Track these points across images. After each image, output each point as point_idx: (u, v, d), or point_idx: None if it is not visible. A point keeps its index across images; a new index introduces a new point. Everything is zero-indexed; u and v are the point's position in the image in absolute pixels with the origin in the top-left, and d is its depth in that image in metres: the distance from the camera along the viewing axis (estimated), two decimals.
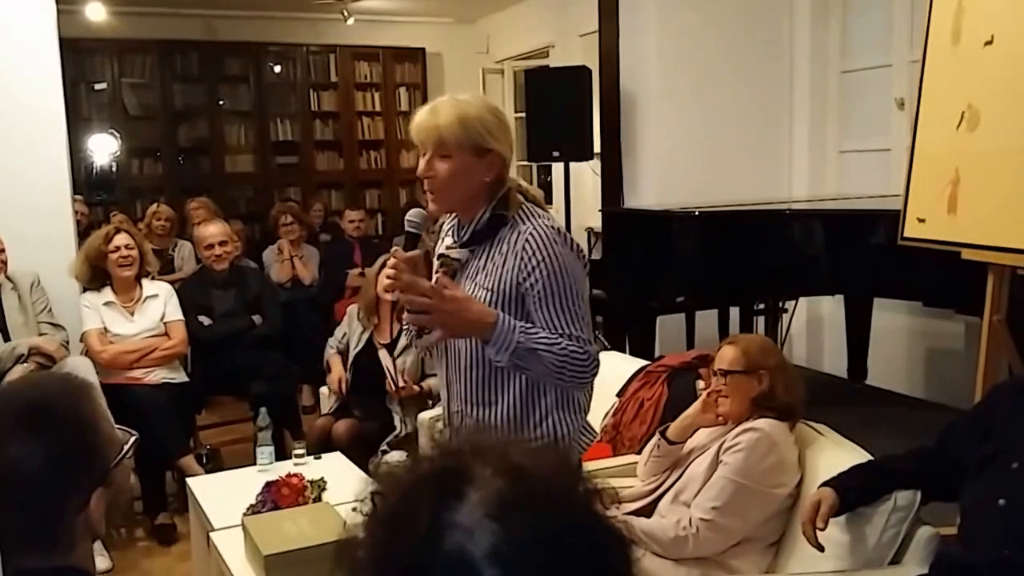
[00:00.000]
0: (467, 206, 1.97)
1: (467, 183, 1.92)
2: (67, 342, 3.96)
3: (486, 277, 1.94)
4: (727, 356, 2.50)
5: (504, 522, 0.71)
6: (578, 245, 1.96)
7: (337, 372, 4.02)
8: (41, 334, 3.87)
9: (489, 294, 1.91)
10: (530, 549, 0.71)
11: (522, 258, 1.88)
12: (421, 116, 1.92)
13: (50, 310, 4.00)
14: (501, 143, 1.92)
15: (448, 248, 2.03)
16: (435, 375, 3.76)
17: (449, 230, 2.07)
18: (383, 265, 3.98)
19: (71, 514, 1.14)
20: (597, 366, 1.91)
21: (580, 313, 1.90)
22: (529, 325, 1.86)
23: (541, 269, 1.87)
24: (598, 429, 3.29)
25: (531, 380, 1.94)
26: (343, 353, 4.07)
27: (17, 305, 3.87)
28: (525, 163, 7.29)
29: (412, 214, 1.97)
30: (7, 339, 3.79)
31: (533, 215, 1.95)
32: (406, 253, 1.91)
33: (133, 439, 1.24)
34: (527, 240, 1.89)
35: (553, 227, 1.92)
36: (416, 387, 3.84)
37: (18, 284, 3.92)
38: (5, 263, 3.87)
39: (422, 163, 1.93)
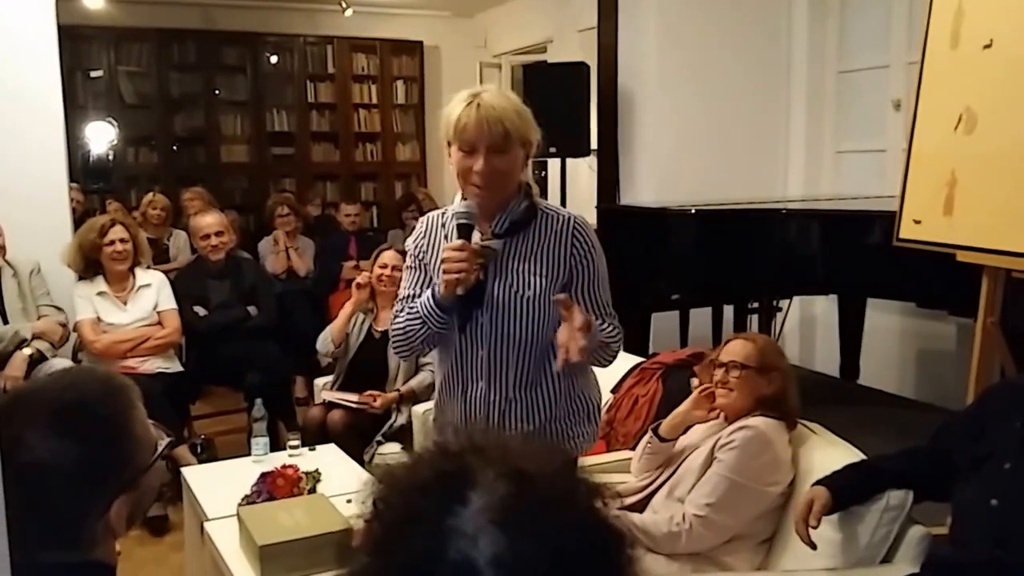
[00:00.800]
0: (506, 198, 2.02)
1: (517, 175, 2.01)
2: (66, 323, 4.00)
3: (535, 263, 2.01)
4: (742, 351, 2.50)
5: (508, 528, 0.71)
6: None
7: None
8: (41, 316, 3.93)
9: (542, 280, 2.00)
10: (534, 555, 0.71)
11: (574, 245, 2.02)
12: (474, 112, 1.90)
13: (49, 294, 4.04)
14: (537, 132, 2.01)
15: (484, 239, 2.02)
16: (421, 369, 3.81)
17: (497, 220, 2.06)
18: (378, 255, 4.01)
19: (93, 518, 1.13)
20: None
21: (610, 295, 2.10)
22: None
23: (592, 255, 2.04)
24: None
25: None
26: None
27: (16, 291, 3.91)
28: None
29: (462, 206, 1.97)
30: (5, 323, 3.82)
31: (551, 206, 2.09)
32: (472, 245, 1.95)
33: (167, 442, 1.22)
34: (577, 229, 2.04)
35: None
36: (394, 393, 3.81)
37: (18, 270, 3.95)
38: (3, 248, 3.87)
39: (479, 161, 1.92)
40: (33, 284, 3.99)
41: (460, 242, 1.94)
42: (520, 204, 2.02)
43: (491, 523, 0.71)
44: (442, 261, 1.95)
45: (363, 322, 4.00)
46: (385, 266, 3.92)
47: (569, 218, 2.06)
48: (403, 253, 3.82)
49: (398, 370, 3.88)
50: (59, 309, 4.03)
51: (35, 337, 3.81)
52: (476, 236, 2.00)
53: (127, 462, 1.15)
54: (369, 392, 3.79)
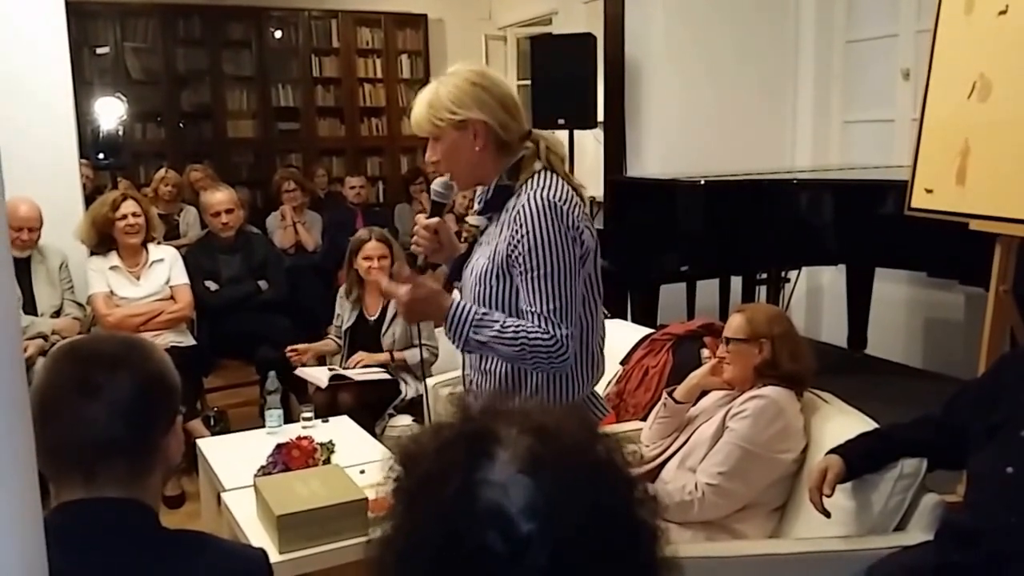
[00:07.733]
0: (481, 176, 2.00)
1: (462, 157, 1.95)
2: (83, 318, 4.10)
3: (487, 246, 1.97)
4: (733, 324, 2.54)
5: (537, 477, 0.72)
6: (575, 221, 1.88)
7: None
8: (65, 312, 4.04)
9: (488, 263, 1.94)
10: (565, 502, 0.72)
11: (513, 229, 1.87)
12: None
13: (73, 290, 4.13)
14: (475, 110, 1.91)
15: (470, 215, 2.06)
16: (416, 346, 3.80)
17: (479, 197, 2.08)
18: (358, 248, 3.98)
19: (157, 435, 1.24)
20: (564, 350, 1.85)
21: (556, 292, 1.85)
22: (486, 314, 1.88)
23: (524, 242, 1.85)
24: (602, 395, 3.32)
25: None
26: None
27: (45, 278, 4.01)
28: None
29: (437, 183, 2.00)
30: (35, 308, 3.95)
31: (542, 184, 1.91)
32: (428, 220, 1.99)
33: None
34: (518, 211, 1.87)
35: (550, 199, 1.86)
36: (384, 354, 3.88)
37: (47, 259, 4.05)
38: (37, 239, 3.97)
39: (428, 151, 2.01)
40: (62, 276, 4.09)
41: (434, 220, 2.05)
42: (496, 183, 1.98)
43: (520, 472, 0.72)
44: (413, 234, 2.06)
45: (352, 309, 4.03)
46: (370, 258, 3.90)
47: (525, 198, 1.88)
48: (384, 240, 3.85)
49: (392, 348, 3.92)
50: (81, 305, 4.12)
51: (53, 333, 3.89)
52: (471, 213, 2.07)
53: (175, 390, 1.28)
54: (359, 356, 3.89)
